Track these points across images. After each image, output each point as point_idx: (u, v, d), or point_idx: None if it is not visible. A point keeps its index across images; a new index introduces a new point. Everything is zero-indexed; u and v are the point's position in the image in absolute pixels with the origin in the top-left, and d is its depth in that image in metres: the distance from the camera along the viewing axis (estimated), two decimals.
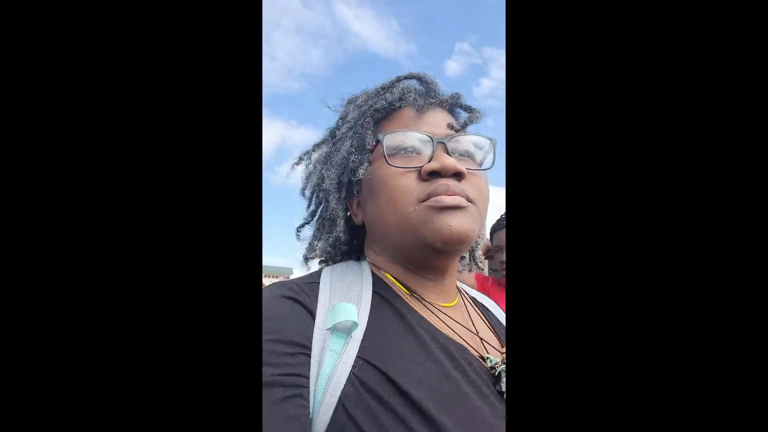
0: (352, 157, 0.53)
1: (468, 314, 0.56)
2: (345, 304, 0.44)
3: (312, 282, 0.49)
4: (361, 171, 0.52)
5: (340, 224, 0.55)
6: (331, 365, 0.39)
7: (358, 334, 0.42)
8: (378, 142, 0.51)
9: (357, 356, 0.40)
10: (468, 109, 0.61)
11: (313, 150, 0.62)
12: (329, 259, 0.60)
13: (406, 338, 0.44)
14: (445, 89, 0.59)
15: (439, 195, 0.47)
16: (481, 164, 0.55)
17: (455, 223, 0.46)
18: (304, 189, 0.63)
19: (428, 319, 0.48)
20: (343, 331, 0.42)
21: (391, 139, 0.50)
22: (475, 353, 0.48)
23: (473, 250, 0.67)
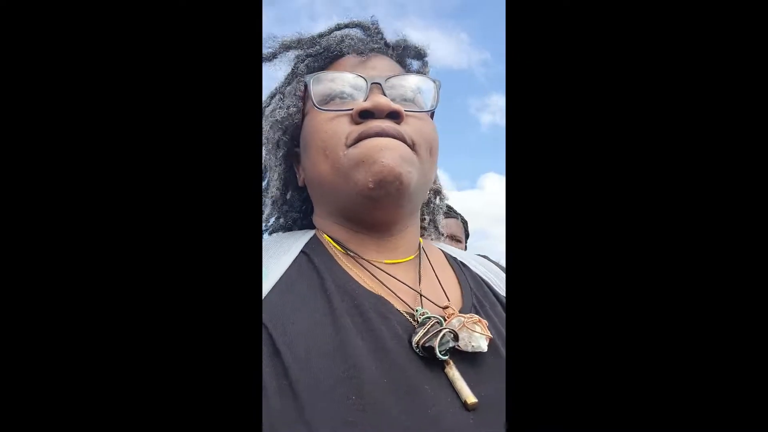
0: (284, 106, 0.49)
1: (419, 270, 0.50)
2: None
3: None
4: (292, 119, 0.48)
5: (276, 181, 0.52)
6: None
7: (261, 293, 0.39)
8: (305, 86, 0.47)
9: None
10: (418, 55, 0.55)
11: (265, 106, 0.57)
12: (278, 229, 0.56)
13: (306, 292, 0.41)
14: (392, 36, 0.53)
15: (372, 136, 0.42)
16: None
17: (388, 158, 0.41)
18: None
19: (353, 276, 0.44)
20: None
21: (318, 82, 0.46)
22: (402, 307, 0.43)
23: (434, 212, 0.61)
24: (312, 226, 0.53)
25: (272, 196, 0.55)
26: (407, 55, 0.55)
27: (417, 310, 0.43)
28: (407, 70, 0.54)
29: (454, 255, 0.58)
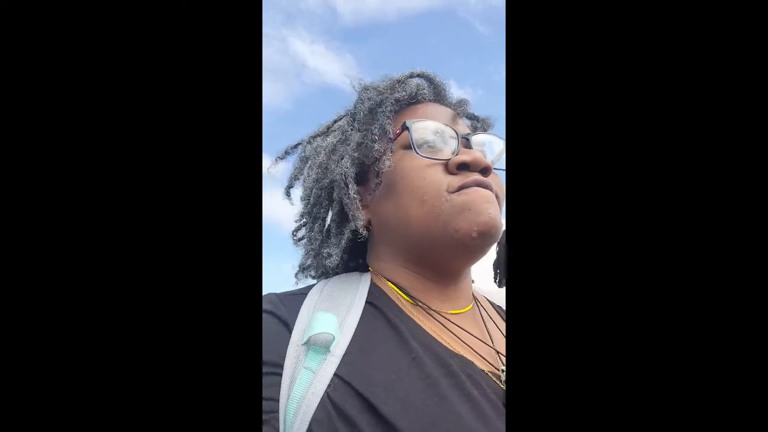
0: (376, 146, 0.47)
1: (483, 322, 0.49)
2: (323, 313, 0.40)
3: (299, 293, 0.45)
4: (385, 161, 0.46)
5: (358, 221, 0.48)
6: (304, 385, 0.34)
7: (339, 350, 0.37)
8: (406, 129, 0.46)
9: (334, 374, 0.35)
10: (473, 118, 0.58)
11: (309, 141, 0.55)
12: (328, 271, 0.53)
13: (394, 352, 0.38)
14: (452, 94, 0.55)
15: (473, 187, 0.44)
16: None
17: (493, 211, 0.43)
18: (290, 187, 0.56)
19: (429, 330, 0.42)
20: (321, 345, 0.37)
21: (419, 128, 0.47)
22: (486, 367, 0.41)
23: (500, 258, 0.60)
24: (356, 269, 0.52)
25: (340, 234, 0.51)
26: (464, 115, 0.57)
27: (503, 371, 0.41)
28: (473, 127, 0.57)
29: (496, 302, 0.57)
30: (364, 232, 0.48)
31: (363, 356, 0.37)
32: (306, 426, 0.33)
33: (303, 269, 0.55)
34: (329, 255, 0.50)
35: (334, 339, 0.37)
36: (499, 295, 0.59)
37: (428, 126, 0.47)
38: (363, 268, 0.52)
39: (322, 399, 0.34)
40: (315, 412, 0.33)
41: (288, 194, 0.56)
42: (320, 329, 0.37)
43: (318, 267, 0.53)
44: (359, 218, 0.47)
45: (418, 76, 0.53)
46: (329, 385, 0.34)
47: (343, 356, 0.37)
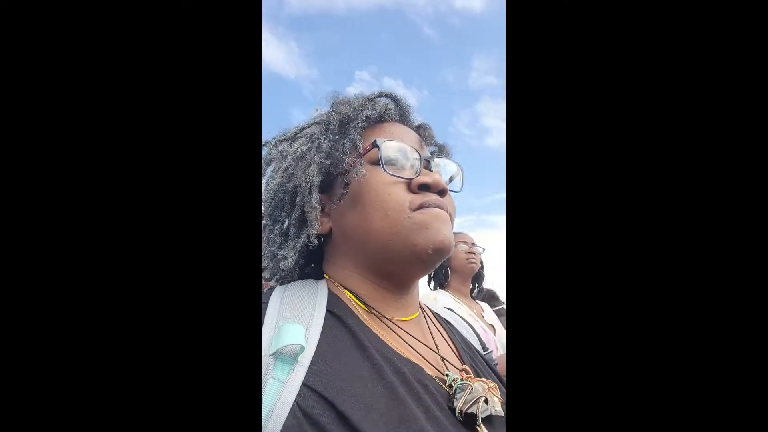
0: (347, 158, 0.50)
1: (429, 329, 0.54)
2: (292, 324, 0.41)
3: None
4: (356, 174, 0.49)
5: (314, 228, 0.50)
6: (274, 395, 0.36)
7: (306, 359, 0.39)
8: (376, 146, 0.50)
9: (302, 384, 0.37)
10: (432, 143, 0.63)
11: (275, 145, 0.57)
12: (285, 276, 0.55)
13: (357, 361, 0.41)
14: (414, 115, 0.61)
15: (432, 206, 0.48)
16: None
17: (446, 231, 0.48)
18: None
19: (383, 338, 0.46)
20: (290, 355, 0.38)
21: (387, 147, 0.50)
22: (433, 372, 0.46)
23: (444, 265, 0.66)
24: (310, 275, 0.54)
25: (296, 239, 0.52)
26: (427, 139, 0.61)
27: (447, 376, 0.46)
28: (434, 151, 0.62)
29: (435, 311, 0.62)
30: (315, 241, 0.51)
31: (328, 364, 0.39)
32: None
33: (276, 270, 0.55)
34: (284, 257, 0.52)
35: (302, 349, 0.39)
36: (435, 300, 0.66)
37: (396, 146, 0.51)
38: (317, 275, 0.54)
39: (292, 408, 0.35)
40: (285, 421, 0.34)
41: None
42: (290, 340, 0.39)
43: (273, 269, 0.55)
44: (317, 226, 0.50)
45: (386, 96, 0.57)
46: (299, 394, 0.36)
47: (310, 365, 0.38)
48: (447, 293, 1.53)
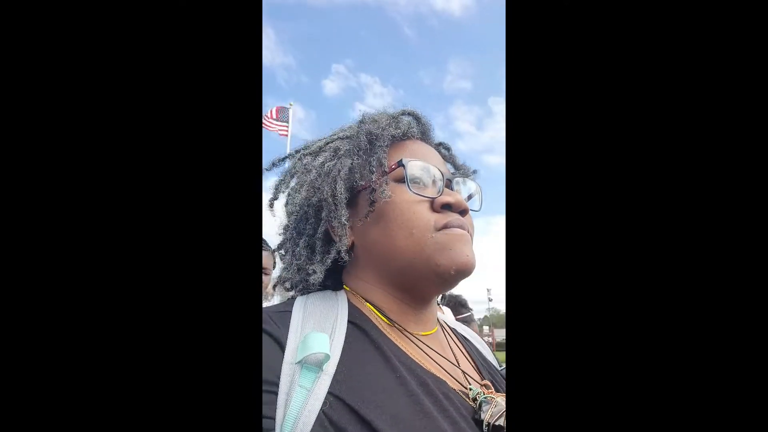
0: (374, 176, 0.50)
1: (448, 343, 0.54)
2: (317, 334, 0.41)
3: (283, 311, 0.46)
4: (383, 192, 0.49)
5: (343, 243, 0.50)
6: (300, 403, 0.36)
7: (331, 368, 0.39)
8: (402, 165, 0.50)
9: (328, 392, 0.37)
10: (452, 163, 0.63)
11: (300, 158, 0.57)
12: (305, 288, 0.54)
13: (381, 371, 0.41)
14: (435, 134, 0.61)
15: (455, 227, 0.49)
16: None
17: (469, 252, 0.49)
18: (274, 199, 0.57)
19: (405, 350, 0.46)
20: (315, 364, 0.39)
21: (413, 166, 0.50)
22: (456, 386, 0.46)
23: None
24: (329, 287, 0.53)
25: (325, 253, 0.52)
26: (446, 157, 0.62)
27: (471, 389, 0.46)
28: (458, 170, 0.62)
29: (452, 326, 0.64)
30: (347, 257, 0.51)
31: (353, 374, 0.39)
32: None
33: (282, 281, 0.56)
34: (314, 272, 0.51)
35: (327, 358, 0.39)
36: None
37: (420, 165, 0.51)
38: (336, 286, 0.54)
39: (318, 416, 0.35)
40: (312, 428, 0.34)
41: (271, 206, 0.57)
42: (315, 349, 0.39)
43: (297, 281, 0.54)
44: (346, 242, 0.50)
45: (409, 114, 0.58)
46: (324, 402, 0.36)
47: (334, 374, 0.38)
48: None
